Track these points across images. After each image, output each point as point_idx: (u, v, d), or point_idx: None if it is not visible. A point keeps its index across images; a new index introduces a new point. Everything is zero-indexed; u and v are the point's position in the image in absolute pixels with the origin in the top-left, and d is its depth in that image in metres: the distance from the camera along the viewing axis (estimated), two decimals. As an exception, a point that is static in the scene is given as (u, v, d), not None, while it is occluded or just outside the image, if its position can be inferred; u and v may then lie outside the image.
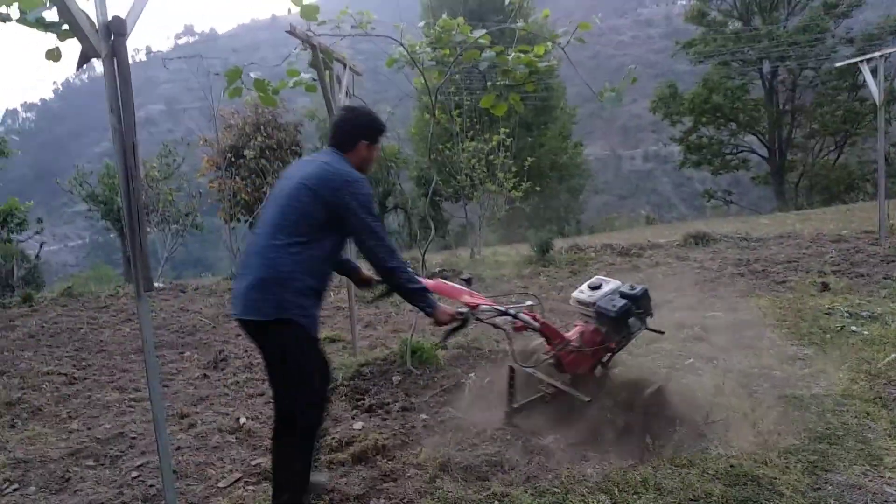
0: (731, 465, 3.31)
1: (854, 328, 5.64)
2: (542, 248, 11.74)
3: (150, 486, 3.58)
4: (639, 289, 4.04)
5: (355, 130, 3.09)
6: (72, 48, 2.88)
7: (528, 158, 15.16)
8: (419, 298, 3.07)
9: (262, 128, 17.98)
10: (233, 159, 17.42)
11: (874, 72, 10.03)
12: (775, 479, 3.15)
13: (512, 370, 4.08)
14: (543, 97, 27.04)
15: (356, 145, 3.07)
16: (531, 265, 11.14)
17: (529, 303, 3.89)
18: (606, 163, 70.22)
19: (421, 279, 3.28)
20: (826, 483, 3.10)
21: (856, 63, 10.95)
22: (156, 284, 10.92)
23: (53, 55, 3.22)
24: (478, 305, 3.45)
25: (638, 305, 3.96)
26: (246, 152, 17.49)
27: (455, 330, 3.31)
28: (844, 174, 30.91)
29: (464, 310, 3.29)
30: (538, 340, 4.13)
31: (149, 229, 14.85)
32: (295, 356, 2.87)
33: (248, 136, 17.97)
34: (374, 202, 2.97)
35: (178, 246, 14.80)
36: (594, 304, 3.97)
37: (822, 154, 33.46)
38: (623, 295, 3.97)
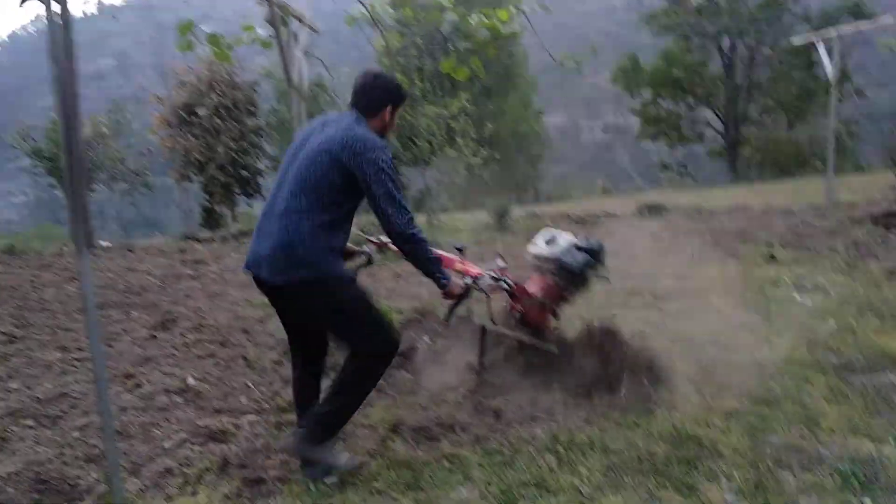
0: (675, 427, 3.38)
1: (798, 298, 5.81)
2: (500, 215, 11.78)
3: (93, 446, 3.49)
4: (595, 242, 4.19)
5: (383, 95, 3.06)
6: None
7: (489, 125, 15.11)
8: (435, 269, 3.05)
9: (216, 86, 17.51)
10: (185, 117, 16.95)
11: (830, 50, 10.22)
12: (716, 440, 3.23)
13: (483, 329, 4.12)
14: (506, 64, 26.92)
15: (382, 110, 3.05)
16: (488, 232, 11.17)
17: (502, 264, 3.95)
18: (566, 133, 70.45)
19: None
20: (764, 444, 3.20)
21: (812, 41, 11.13)
22: (102, 243, 10.62)
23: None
24: (480, 275, 3.45)
25: (596, 258, 4.13)
26: (199, 111, 17.01)
27: (458, 304, 3.32)
28: (795, 150, 31.66)
29: (469, 280, 3.29)
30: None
31: (96, 187, 14.40)
32: (339, 310, 2.90)
33: (202, 94, 17.48)
34: (394, 168, 2.93)
35: (127, 205, 14.39)
36: (555, 258, 4.08)
37: (775, 129, 34.16)
38: (581, 248, 4.09)
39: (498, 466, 3.09)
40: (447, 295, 3.15)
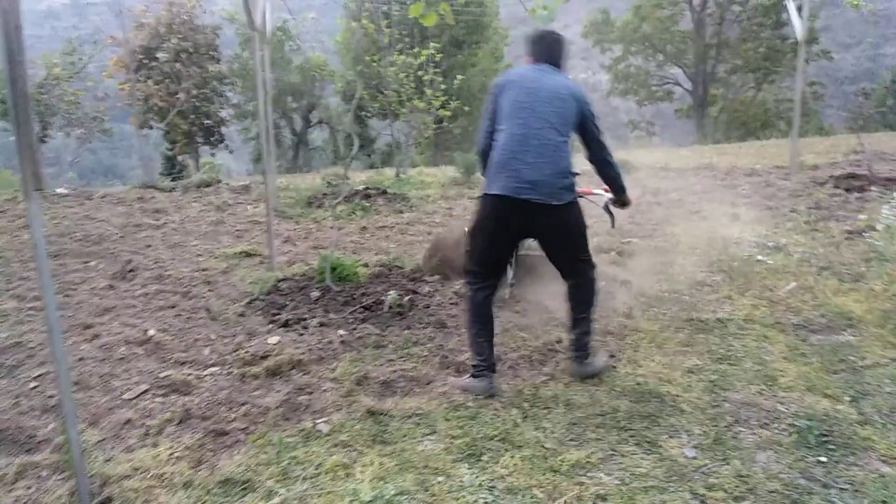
0: (638, 383, 3.44)
1: (759, 257, 5.90)
2: (469, 171, 11.68)
3: (50, 396, 3.41)
4: None
5: (564, 51, 3.64)
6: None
7: (459, 77, 14.82)
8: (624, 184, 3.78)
9: (176, 28, 16.85)
10: (144, 61, 16.31)
11: (799, 8, 10.19)
12: (678, 396, 3.29)
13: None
14: (475, 13, 26.43)
15: (563, 63, 3.62)
16: (456, 187, 11.09)
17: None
18: (536, 88, 69.77)
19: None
20: (724, 401, 3.27)
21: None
22: (59, 190, 10.27)
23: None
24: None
25: None
26: (159, 54, 16.39)
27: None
28: (761, 111, 31.95)
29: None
30: None
31: (51, 133, 13.84)
32: (584, 227, 3.54)
33: (161, 36, 16.83)
34: None
35: (83, 151, 13.81)
36: None
37: (742, 90, 34.39)
38: None
39: (463, 420, 3.10)
40: (625, 204, 3.91)
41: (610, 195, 4.05)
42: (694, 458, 2.75)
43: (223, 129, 24.42)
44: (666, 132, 38.33)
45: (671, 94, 36.15)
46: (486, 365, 3.42)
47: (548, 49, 3.59)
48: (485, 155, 3.58)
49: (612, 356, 3.83)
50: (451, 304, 4.78)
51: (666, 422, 3.05)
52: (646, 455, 2.78)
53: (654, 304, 4.78)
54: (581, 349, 3.56)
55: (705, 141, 27.17)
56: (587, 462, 2.72)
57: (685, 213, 8.22)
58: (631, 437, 2.93)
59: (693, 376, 3.54)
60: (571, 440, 2.92)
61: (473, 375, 3.43)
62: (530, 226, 3.44)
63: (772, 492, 2.51)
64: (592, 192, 4.35)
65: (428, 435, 2.99)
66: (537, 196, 3.28)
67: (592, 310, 3.60)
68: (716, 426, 3.01)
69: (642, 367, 3.65)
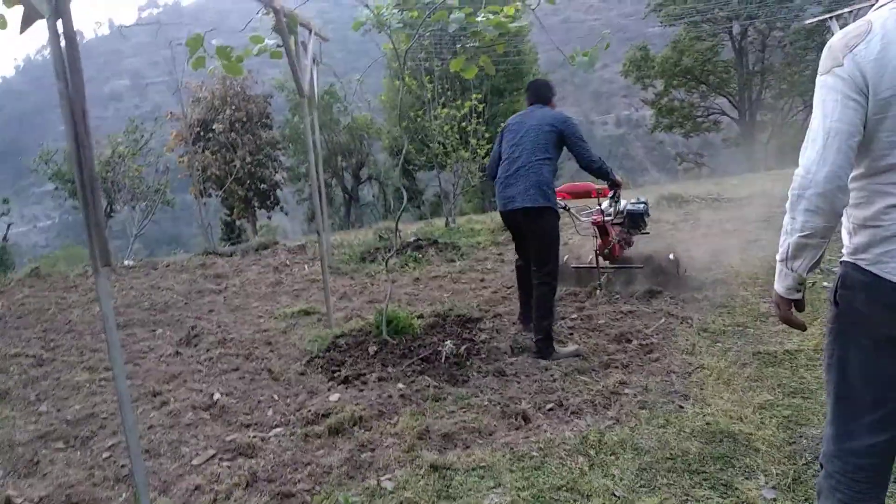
0: (707, 423, 3.32)
1: (826, 284, 5.69)
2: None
3: (122, 466, 3.50)
4: (644, 199, 6.71)
5: (549, 90, 5.07)
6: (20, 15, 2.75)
7: (502, 125, 14.97)
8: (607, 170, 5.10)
9: (230, 100, 17.63)
10: (201, 133, 17.07)
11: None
12: (751, 434, 3.16)
13: (597, 260, 6.35)
14: (515, 62, 26.85)
15: (551, 97, 5.03)
16: (506, 232, 11.09)
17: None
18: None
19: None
20: (801, 437, 3.13)
21: (825, 21, 10.93)
22: (126, 262, 10.70)
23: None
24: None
25: (647, 208, 6.65)
26: (215, 126, 17.13)
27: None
28: (813, 134, 31.12)
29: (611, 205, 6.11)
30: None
31: (118, 207, 14.53)
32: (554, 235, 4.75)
33: (216, 109, 17.61)
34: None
35: (147, 223, 14.42)
36: (622, 210, 6.40)
37: (790, 114, 33.71)
38: (637, 203, 6.62)
39: (529, 471, 3.04)
40: (618, 185, 5.43)
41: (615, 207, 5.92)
42: (773, 499, 2.63)
43: (278, 192, 25.21)
44: (714, 162, 37.72)
45: (718, 124, 35.69)
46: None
47: (535, 93, 4.98)
48: (492, 178, 4.97)
49: (685, 397, 3.72)
50: (507, 352, 4.75)
51: (740, 462, 2.93)
52: (721, 499, 2.67)
53: (717, 338, 4.65)
54: (536, 346, 4.63)
55: (756, 168, 26.61)
56: (660, 509, 2.63)
57: (743, 243, 8.02)
58: (704, 480, 2.82)
59: (765, 412, 3.40)
60: (642, 486, 2.82)
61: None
62: (520, 227, 4.79)
63: (861, 533, 2.36)
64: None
65: (493, 488, 2.94)
66: (517, 204, 4.58)
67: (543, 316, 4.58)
68: (794, 464, 2.87)
69: (711, 406, 3.53)
